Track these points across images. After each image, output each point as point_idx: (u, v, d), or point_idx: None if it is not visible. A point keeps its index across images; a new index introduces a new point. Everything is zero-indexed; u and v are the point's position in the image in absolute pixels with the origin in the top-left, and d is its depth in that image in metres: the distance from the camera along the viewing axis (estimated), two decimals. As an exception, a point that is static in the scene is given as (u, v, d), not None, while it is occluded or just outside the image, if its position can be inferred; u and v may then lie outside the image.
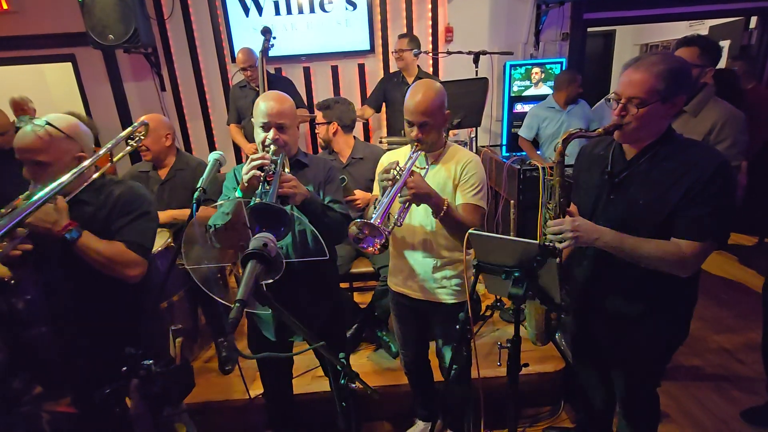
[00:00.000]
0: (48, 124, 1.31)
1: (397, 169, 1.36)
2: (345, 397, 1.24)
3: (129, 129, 1.67)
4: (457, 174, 1.53)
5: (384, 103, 3.50)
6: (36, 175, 1.33)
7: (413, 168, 1.42)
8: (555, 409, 2.22)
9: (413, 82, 3.40)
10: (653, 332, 1.35)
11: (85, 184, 1.39)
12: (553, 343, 2.37)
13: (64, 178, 1.29)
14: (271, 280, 0.84)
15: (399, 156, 1.62)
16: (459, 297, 1.63)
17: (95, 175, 1.43)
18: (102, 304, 1.42)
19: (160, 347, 1.68)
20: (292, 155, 1.57)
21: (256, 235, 0.84)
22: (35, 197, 1.23)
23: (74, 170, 1.32)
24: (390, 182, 1.33)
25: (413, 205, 1.44)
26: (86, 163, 1.35)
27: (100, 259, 1.32)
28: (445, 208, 1.39)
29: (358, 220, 1.27)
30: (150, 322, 1.61)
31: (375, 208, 1.32)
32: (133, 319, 1.51)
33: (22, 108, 3.77)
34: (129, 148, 1.72)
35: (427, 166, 1.55)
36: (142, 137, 1.72)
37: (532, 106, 3.58)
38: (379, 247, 1.29)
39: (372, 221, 1.24)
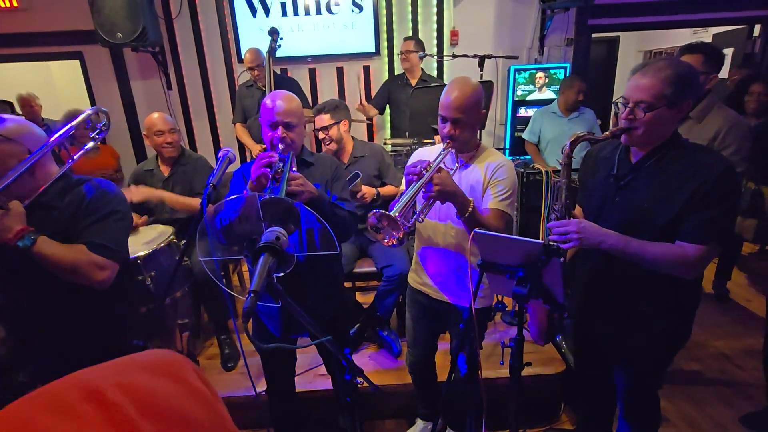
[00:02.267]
0: None
1: (424, 164, 1.33)
2: (349, 393, 1.26)
3: (78, 119, 1.45)
4: (487, 176, 1.49)
5: (388, 105, 3.53)
6: None
7: (441, 166, 1.38)
8: (555, 412, 2.23)
9: (417, 84, 3.44)
10: (656, 333, 1.36)
11: (44, 186, 1.28)
12: (554, 346, 2.38)
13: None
14: (282, 273, 0.86)
15: (431, 152, 1.58)
16: (481, 302, 1.59)
17: (56, 176, 1.32)
18: (70, 310, 1.34)
19: (167, 342, 1.69)
20: (298, 154, 1.59)
21: (269, 229, 0.86)
22: None
23: (9, 174, 1.19)
24: (416, 177, 1.31)
25: (445, 206, 1.42)
26: (22, 164, 1.22)
27: (62, 265, 1.22)
28: (470, 209, 1.36)
29: (378, 210, 1.25)
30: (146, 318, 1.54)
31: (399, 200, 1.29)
32: (112, 320, 1.44)
33: (29, 105, 3.80)
34: (92, 142, 1.52)
35: (457, 166, 1.51)
36: (105, 129, 1.53)
37: (535, 109, 3.61)
38: (396, 242, 1.27)
39: (391, 213, 1.21)
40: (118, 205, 1.37)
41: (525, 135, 3.47)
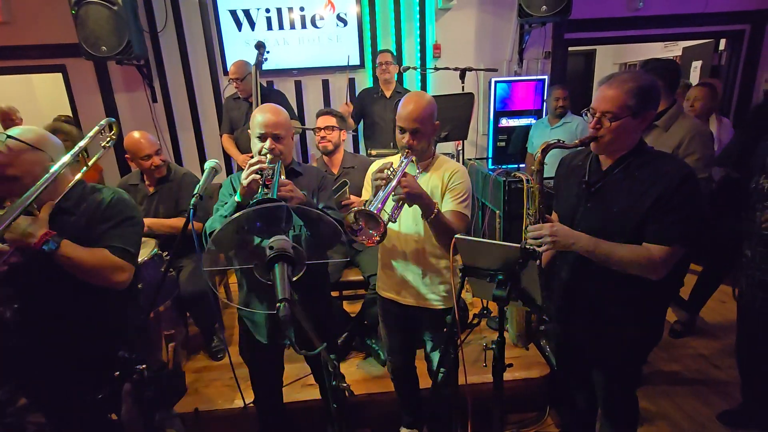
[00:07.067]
0: (9, 137, 1.26)
1: (391, 169, 1.41)
2: (336, 399, 1.27)
3: (94, 130, 1.59)
4: (444, 182, 1.58)
5: (363, 117, 3.57)
6: (8, 190, 1.28)
7: (406, 171, 1.45)
8: (540, 415, 2.26)
9: (391, 96, 3.52)
10: (627, 333, 1.42)
11: (64, 191, 1.35)
12: (537, 349, 2.43)
13: (32, 189, 1.24)
14: (294, 278, 0.88)
15: (390, 161, 1.65)
16: (447, 303, 1.68)
17: (72, 182, 1.39)
18: (87, 313, 1.39)
19: (152, 354, 1.69)
20: (287, 164, 1.63)
21: (274, 238, 0.89)
22: (4, 212, 1.20)
23: (41, 180, 1.26)
24: (384, 181, 1.38)
25: (403, 213, 1.48)
26: (53, 169, 1.29)
27: (85, 267, 1.28)
28: (435, 211, 1.43)
29: (355, 208, 1.30)
30: (138, 328, 1.59)
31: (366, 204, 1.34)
32: (120, 326, 1.48)
33: (10, 118, 3.75)
34: (103, 150, 1.62)
35: (417, 172, 1.60)
36: (114, 137, 1.64)
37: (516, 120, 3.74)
38: (377, 239, 1.31)
39: (372, 209, 1.26)
40: (132, 212, 1.45)
41: (528, 147, 3.65)
